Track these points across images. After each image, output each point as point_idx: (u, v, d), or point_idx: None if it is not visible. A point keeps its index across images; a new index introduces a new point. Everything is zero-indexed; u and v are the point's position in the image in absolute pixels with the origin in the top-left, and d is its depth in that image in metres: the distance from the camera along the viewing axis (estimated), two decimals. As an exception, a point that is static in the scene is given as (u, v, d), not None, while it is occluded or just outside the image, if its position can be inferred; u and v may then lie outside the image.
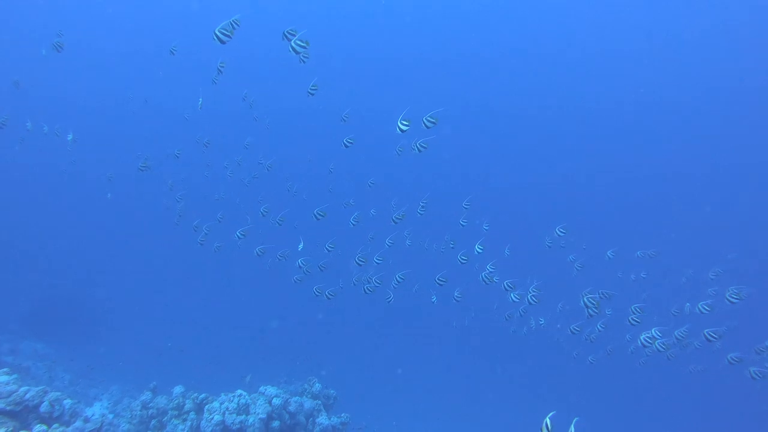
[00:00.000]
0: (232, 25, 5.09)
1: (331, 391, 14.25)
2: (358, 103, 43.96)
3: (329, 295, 8.95)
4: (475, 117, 46.40)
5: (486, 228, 12.44)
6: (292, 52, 5.42)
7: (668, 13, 34.12)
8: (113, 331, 22.25)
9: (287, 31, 5.43)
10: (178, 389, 12.17)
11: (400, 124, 5.36)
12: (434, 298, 10.93)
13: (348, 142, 7.07)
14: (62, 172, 13.77)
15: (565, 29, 38.24)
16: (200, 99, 9.84)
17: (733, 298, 7.69)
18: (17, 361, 15.42)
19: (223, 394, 11.05)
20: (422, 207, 9.35)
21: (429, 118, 5.37)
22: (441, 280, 8.52)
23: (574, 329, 8.10)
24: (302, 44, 5.45)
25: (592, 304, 6.59)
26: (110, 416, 13.00)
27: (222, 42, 5.16)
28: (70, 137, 12.49)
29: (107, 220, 27.84)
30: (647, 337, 6.70)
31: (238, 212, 14.03)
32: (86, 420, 9.68)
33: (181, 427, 10.16)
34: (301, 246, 9.91)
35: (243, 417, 10.69)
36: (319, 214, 7.52)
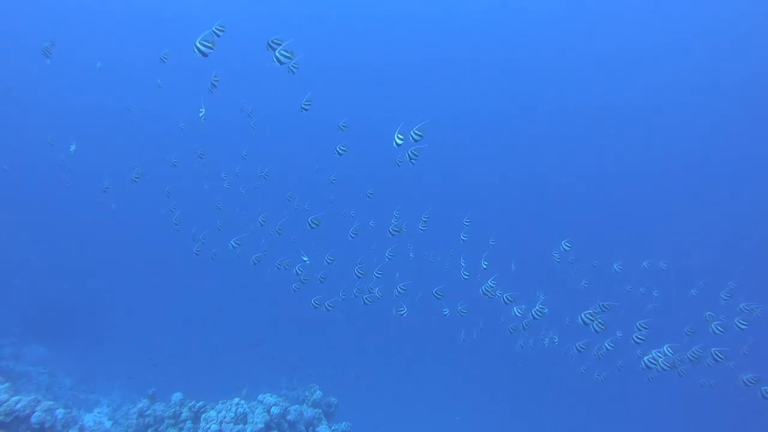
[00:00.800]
0: (215, 33, 4.85)
1: (333, 399, 14.01)
2: (359, 110, 43.82)
3: (328, 307, 8.77)
4: (479, 123, 46.06)
5: (492, 243, 12.37)
6: (276, 62, 5.19)
7: (669, 11, 33.79)
8: (116, 336, 22.19)
9: (272, 41, 5.20)
10: (176, 396, 12.00)
11: (396, 139, 5.20)
12: (446, 311, 10.74)
13: (341, 149, 6.88)
14: (61, 180, 13.68)
15: (564, 29, 37.95)
16: (202, 109, 9.67)
17: (741, 324, 7.43)
18: (18, 367, 15.37)
19: (220, 402, 10.86)
20: (424, 222, 9.17)
21: (416, 131, 5.20)
22: (439, 294, 8.32)
23: (580, 347, 7.85)
24: (287, 54, 5.20)
25: (591, 320, 6.42)
26: (108, 423, 12.88)
27: (204, 54, 4.86)
28: (72, 148, 12.46)
29: (110, 225, 27.93)
30: (650, 358, 6.47)
31: (239, 221, 13.89)
32: (81, 429, 9.54)
33: (177, 436, 9.99)
34: (306, 259, 9.77)
35: (240, 427, 10.50)
36: (314, 223, 7.33)
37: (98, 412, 14.33)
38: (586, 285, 10.56)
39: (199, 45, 4.81)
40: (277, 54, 5.12)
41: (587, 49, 39.22)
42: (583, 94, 42.30)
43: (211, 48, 4.85)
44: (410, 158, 5.40)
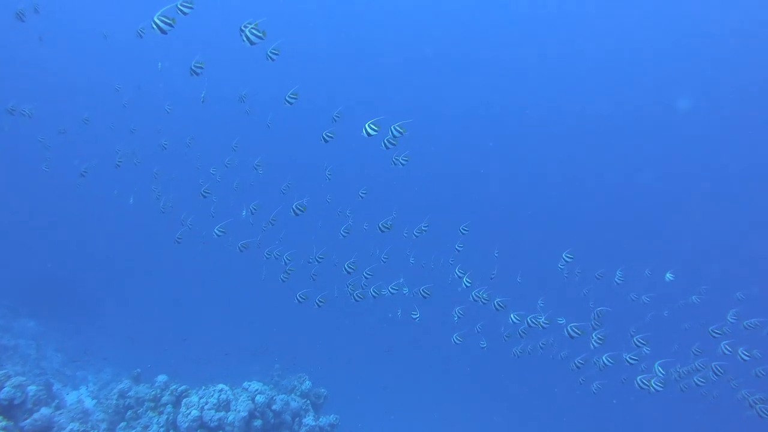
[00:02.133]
0: (180, 10, 4.51)
1: (322, 390, 13.72)
2: (367, 108, 43.13)
3: (319, 302, 8.53)
4: (484, 126, 45.25)
5: (496, 255, 12.12)
6: (247, 42, 4.79)
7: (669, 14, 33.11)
8: (110, 314, 22.08)
9: (244, 25, 4.81)
10: (161, 378, 11.70)
11: (368, 128, 4.85)
12: (456, 317, 10.52)
13: (327, 135, 6.47)
14: (46, 159, 13.46)
15: (564, 30, 37.21)
16: (203, 92, 9.29)
17: (744, 355, 7.13)
18: (4, 340, 15.18)
19: (203, 387, 10.57)
20: (419, 230, 8.90)
21: (397, 128, 4.84)
22: (426, 293, 8.04)
23: (579, 363, 7.69)
24: (259, 34, 4.75)
25: (578, 333, 6.23)
26: (91, 403, 12.66)
27: (163, 31, 4.56)
28: (62, 132, 12.22)
29: (107, 203, 27.65)
30: (643, 379, 6.26)
31: (232, 207, 13.48)
32: (58, 407, 9.30)
33: (156, 420, 9.71)
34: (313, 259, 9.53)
35: (222, 414, 10.19)
36: (299, 209, 6.98)
37: (84, 390, 14.15)
38: (591, 302, 10.20)
39: (157, 21, 4.49)
40: (247, 33, 4.69)
41: (598, 54, 38.47)
42: (591, 99, 41.51)
43: (170, 25, 4.52)
44: (386, 146, 5.03)
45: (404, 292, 9.13)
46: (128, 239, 28.78)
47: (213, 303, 25.01)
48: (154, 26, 4.52)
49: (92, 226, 28.95)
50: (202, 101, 10.47)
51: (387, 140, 4.89)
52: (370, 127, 4.89)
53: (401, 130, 4.83)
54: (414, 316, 9.31)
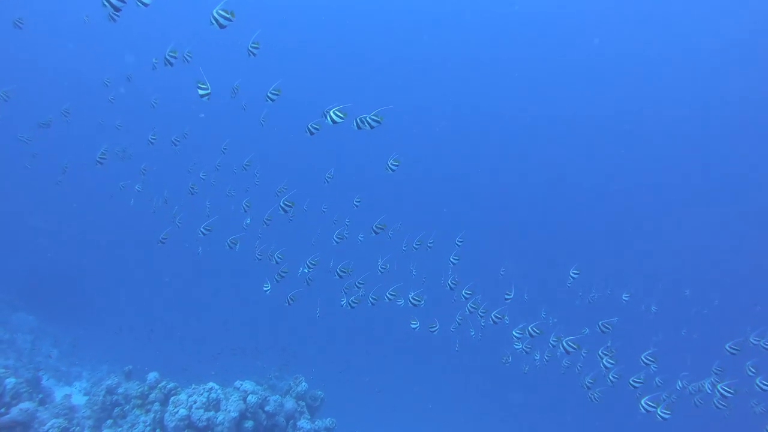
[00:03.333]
0: (140, 1, 4.28)
1: (318, 392, 13.33)
2: (361, 104, 42.67)
3: (319, 311, 8.35)
4: (487, 132, 44.63)
5: (502, 273, 12.08)
6: (215, 25, 4.45)
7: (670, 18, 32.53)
8: (109, 311, 21.96)
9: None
10: (152, 376, 11.37)
11: (332, 115, 4.50)
12: (473, 332, 10.21)
13: (313, 127, 6.14)
14: (32, 156, 13.21)
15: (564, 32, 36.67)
16: (206, 85, 8.99)
17: (764, 384, 6.71)
18: (-1, 333, 15.05)
19: (193, 385, 10.26)
20: (423, 244, 8.66)
21: (373, 117, 4.48)
22: (416, 300, 7.74)
23: (588, 383, 7.48)
24: (227, 15, 4.44)
25: (575, 348, 6.12)
26: (82, 399, 12.38)
27: (116, 9, 4.34)
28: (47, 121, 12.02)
29: (106, 200, 27.59)
30: (648, 401, 5.93)
31: (226, 209, 13.18)
32: (43, 402, 9.04)
33: (143, 418, 9.39)
34: (307, 270, 9.27)
35: (212, 414, 9.84)
36: (287, 205, 6.64)
37: (77, 386, 13.93)
38: (603, 319, 9.90)
39: None
40: (214, 14, 4.35)
41: (604, 56, 37.86)
42: (597, 105, 40.83)
43: (122, 1, 4.28)
44: (358, 126, 4.64)
45: (420, 303, 8.82)
46: (129, 236, 28.67)
47: (212, 301, 24.80)
48: (106, 3, 4.24)
49: (93, 223, 28.92)
50: (206, 98, 10.13)
51: (359, 119, 4.53)
52: (336, 114, 4.53)
53: (378, 119, 4.45)
54: (432, 329, 9.00)
